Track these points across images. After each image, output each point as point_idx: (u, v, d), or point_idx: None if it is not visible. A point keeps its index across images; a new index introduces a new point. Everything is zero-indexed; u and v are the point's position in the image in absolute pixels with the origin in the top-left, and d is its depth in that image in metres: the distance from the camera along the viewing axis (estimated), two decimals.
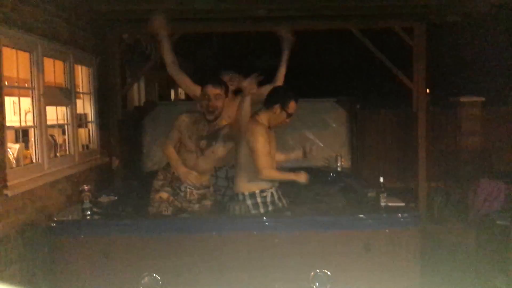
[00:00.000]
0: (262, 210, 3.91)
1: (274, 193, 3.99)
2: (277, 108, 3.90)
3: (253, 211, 3.89)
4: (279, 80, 4.45)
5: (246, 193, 3.91)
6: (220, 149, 4.09)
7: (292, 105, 3.92)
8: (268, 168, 3.84)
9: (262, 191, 3.91)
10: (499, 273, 4.57)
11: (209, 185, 4.18)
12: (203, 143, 4.09)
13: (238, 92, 4.33)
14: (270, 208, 3.93)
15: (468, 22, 7.29)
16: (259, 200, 3.90)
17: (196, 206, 4.07)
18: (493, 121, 7.24)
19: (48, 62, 4.73)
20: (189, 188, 4.10)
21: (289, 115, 3.94)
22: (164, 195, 4.07)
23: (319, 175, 5.30)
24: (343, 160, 5.53)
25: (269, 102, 3.95)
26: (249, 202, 3.90)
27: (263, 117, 3.95)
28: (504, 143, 7.14)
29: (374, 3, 5.79)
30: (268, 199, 3.93)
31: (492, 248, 4.91)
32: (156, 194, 4.12)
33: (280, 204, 4.05)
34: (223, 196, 4.22)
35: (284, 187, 4.20)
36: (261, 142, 3.81)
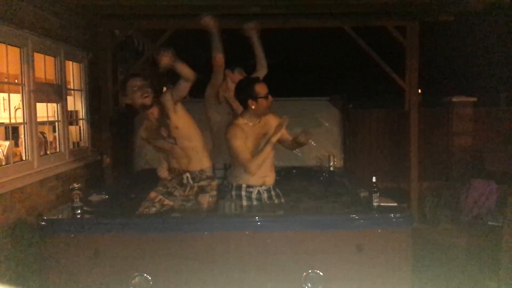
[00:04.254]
0: (245, 203, 3.96)
1: (263, 191, 4.00)
2: (250, 102, 3.82)
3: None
4: (263, 68, 4.56)
5: (234, 184, 4.00)
6: (178, 120, 3.90)
7: (259, 88, 3.82)
8: (249, 162, 3.83)
9: (248, 186, 3.97)
10: (490, 273, 4.59)
11: (213, 176, 4.12)
12: (163, 130, 3.94)
13: None
14: (254, 203, 3.97)
15: (461, 22, 7.29)
16: (243, 193, 3.96)
17: (189, 204, 4.01)
18: (485, 121, 7.27)
19: (38, 58, 4.68)
20: (190, 182, 4.05)
21: (265, 97, 3.84)
22: (152, 194, 4.05)
23: (311, 174, 5.30)
24: (335, 159, 5.51)
25: (241, 102, 3.93)
26: (233, 192, 3.99)
27: (246, 116, 3.91)
28: (496, 144, 7.17)
29: (367, 1, 5.77)
30: (254, 195, 3.97)
31: (484, 248, 4.93)
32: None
33: (269, 203, 4.06)
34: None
35: (277, 186, 4.19)
36: (233, 143, 3.82)
